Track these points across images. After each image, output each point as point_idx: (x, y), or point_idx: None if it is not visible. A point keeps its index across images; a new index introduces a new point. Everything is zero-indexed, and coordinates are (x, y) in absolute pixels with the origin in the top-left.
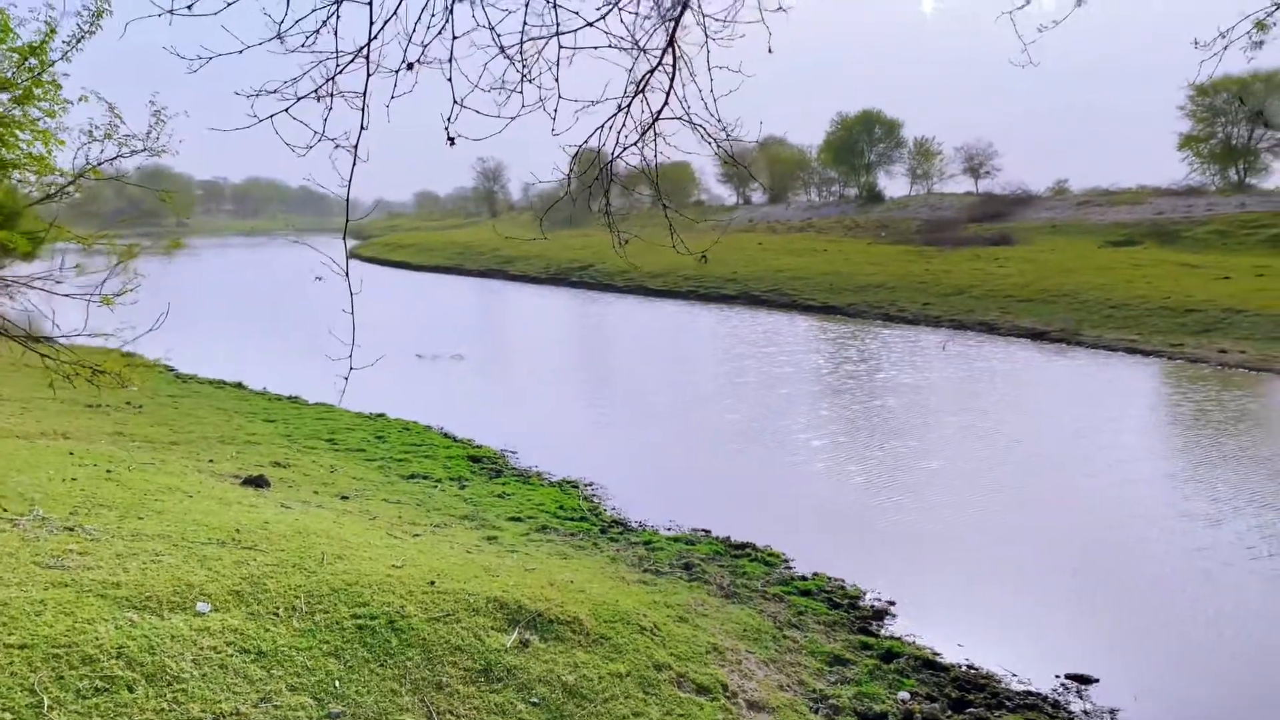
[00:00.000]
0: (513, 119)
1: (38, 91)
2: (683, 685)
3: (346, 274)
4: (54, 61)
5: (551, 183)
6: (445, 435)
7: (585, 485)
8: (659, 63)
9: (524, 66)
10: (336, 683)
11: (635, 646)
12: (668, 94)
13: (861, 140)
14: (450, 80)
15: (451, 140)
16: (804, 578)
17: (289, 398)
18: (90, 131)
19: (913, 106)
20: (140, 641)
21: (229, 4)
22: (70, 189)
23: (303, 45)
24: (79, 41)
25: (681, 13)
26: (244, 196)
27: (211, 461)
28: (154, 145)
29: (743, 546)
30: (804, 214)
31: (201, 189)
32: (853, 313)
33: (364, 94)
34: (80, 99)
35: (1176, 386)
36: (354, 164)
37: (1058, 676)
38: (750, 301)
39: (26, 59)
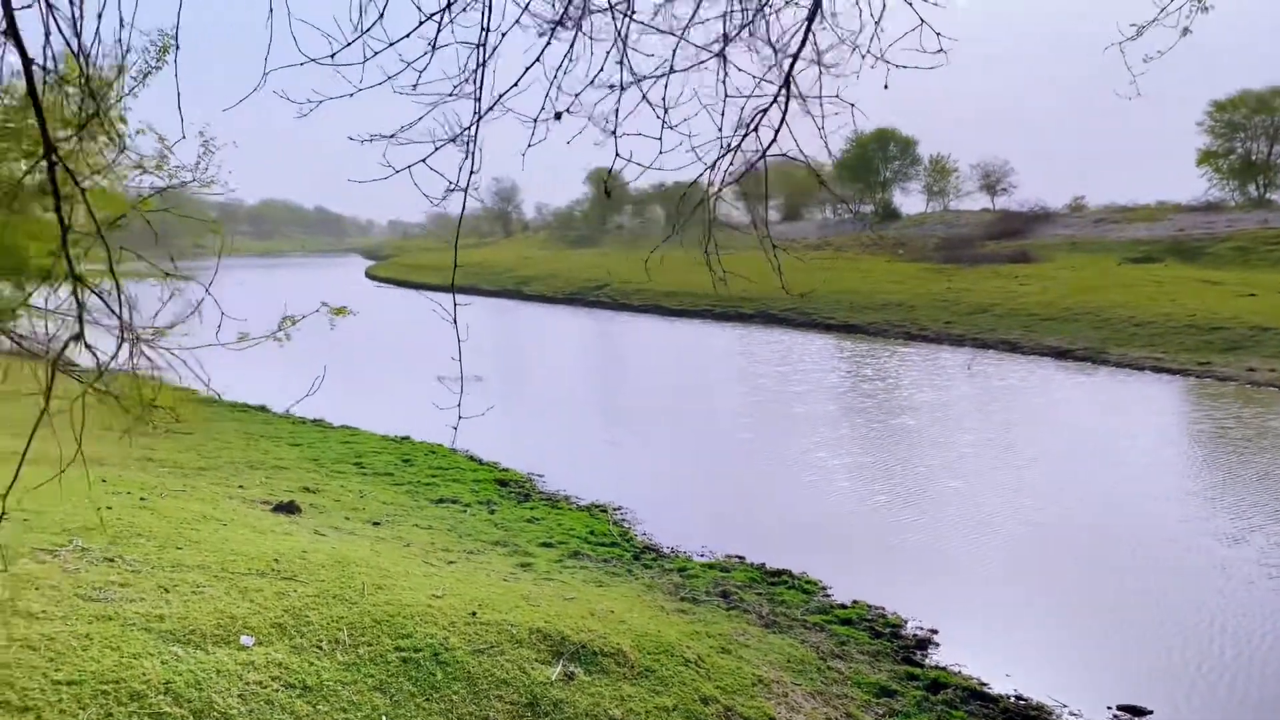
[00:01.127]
0: (648, 167)
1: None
2: (731, 719)
3: (455, 321)
4: (121, 98)
5: (577, 206)
6: (471, 458)
7: (614, 509)
8: (773, 100)
9: (665, 113)
10: (383, 718)
11: (681, 679)
12: (777, 130)
13: (876, 158)
14: (615, 134)
15: (609, 193)
16: (843, 606)
17: (313, 421)
18: (140, 164)
19: (928, 122)
20: (186, 677)
21: (371, 56)
22: (121, 221)
23: (451, 93)
24: (145, 78)
25: (801, 48)
26: (259, 218)
27: (241, 487)
28: (202, 176)
29: (779, 573)
30: (820, 231)
31: (216, 211)
32: (874, 331)
33: (474, 136)
34: (138, 132)
35: (1198, 404)
36: (464, 207)
37: (1110, 708)
38: (767, 320)
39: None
